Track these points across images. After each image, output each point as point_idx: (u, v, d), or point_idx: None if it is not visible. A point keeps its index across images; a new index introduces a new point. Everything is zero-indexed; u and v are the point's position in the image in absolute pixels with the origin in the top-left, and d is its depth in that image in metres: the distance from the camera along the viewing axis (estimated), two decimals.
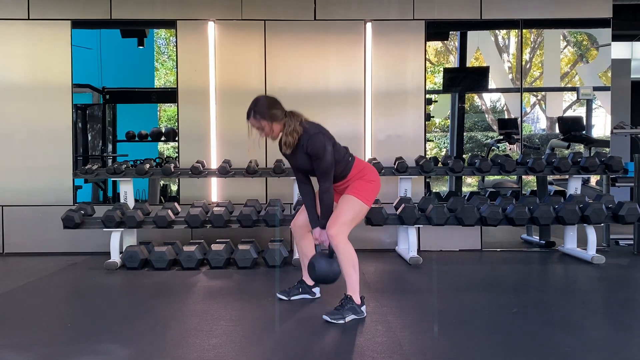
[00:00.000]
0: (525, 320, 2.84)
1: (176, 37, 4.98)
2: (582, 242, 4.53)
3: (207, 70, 4.96)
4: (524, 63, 5.59)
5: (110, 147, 6.38)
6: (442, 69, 5.93)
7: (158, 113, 7.24)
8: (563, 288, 3.63)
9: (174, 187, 6.08)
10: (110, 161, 6.14)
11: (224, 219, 4.23)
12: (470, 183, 6.39)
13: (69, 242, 4.85)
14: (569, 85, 6.35)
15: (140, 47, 5.89)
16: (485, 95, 6.46)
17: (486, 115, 6.48)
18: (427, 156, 5.02)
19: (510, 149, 5.72)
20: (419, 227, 4.76)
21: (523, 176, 5.56)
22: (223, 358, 2.32)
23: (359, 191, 2.92)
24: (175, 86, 4.99)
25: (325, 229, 2.91)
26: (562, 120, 5.98)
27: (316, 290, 3.27)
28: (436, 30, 5.19)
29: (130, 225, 4.26)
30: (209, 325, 2.76)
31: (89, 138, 6.13)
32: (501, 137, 5.71)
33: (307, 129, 2.87)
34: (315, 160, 2.84)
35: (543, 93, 6.66)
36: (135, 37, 5.81)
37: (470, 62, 5.78)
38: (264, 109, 2.88)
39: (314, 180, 3.01)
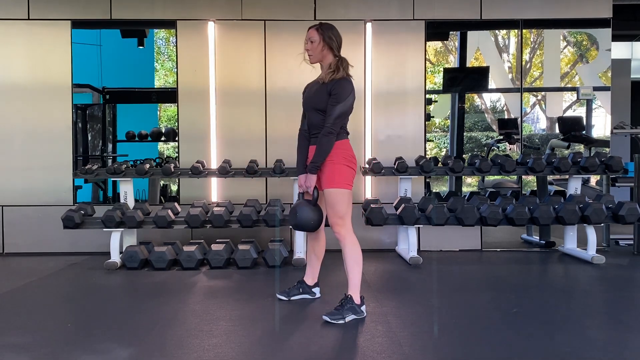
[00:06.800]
0: (526, 320, 2.84)
1: (176, 37, 4.98)
2: (582, 242, 4.53)
3: (207, 70, 4.96)
4: (524, 63, 5.59)
5: (110, 147, 6.38)
6: (442, 69, 5.93)
7: (158, 113, 7.24)
8: (563, 288, 3.63)
9: (174, 187, 6.08)
10: (110, 161, 6.14)
11: (224, 219, 4.23)
12: (470, 183, 6.39)
13: (69, 242, 4.85)
14: (569, 85, 6.34)
15: (140, 47, 5.89)
16: (485, 95, 6.45)
17: (486, 115, 6.48)
18: (427, 156, 5.02)
19: (510, 149, 5.72)
20: (419, 227, 4.77)
21: (523, 176, 5.56)
22: (223, 358, 2.32)
23: (339, 180, 2.89)
24: (175, 86, 4.99)
25: (311, 187, 2.93)
26: (562, 120, 5.98)
27: (316, 290, 3.27)
28: (436, 30, 5.20)
29: (130, 225, 4.26)
30: (209, 325, 2.76)
31: (89, 138, 6.13)
32: (501, 137, 5.71)
33: (344, 76, 2.92)
34: (333, 101, 2.85)
35: (543, 93, 6.66)
36: (135, 37, 5.81)
37: (470, 62, 5.77)
38: (329, 30, 2.97)
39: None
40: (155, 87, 7.08)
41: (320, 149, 2.88)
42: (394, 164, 4.77)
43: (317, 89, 2.96)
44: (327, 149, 2.87)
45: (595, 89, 5.59)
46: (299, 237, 4.37)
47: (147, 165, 4.71)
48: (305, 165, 3.00)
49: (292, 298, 3.22)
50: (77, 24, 4.99)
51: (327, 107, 2.88)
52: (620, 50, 7.44)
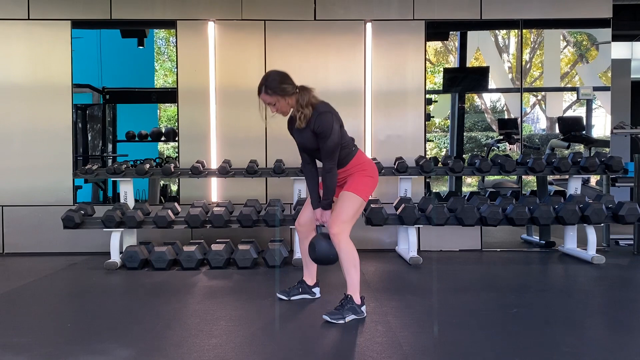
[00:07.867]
0: (525, 320, 2.84)
1: (176, 37, 4.98)
2: (582, 242, 4.53)
3: (207, 70, 4.96)
4: (524, 63, 5.59)
5: (110, 147, 6.38)
6: (442, 69, 5.93)
7: (158, 113, 7.25)
8: (563, 288, 3.63)
9: (174, 187, 6.08)
10: (110, 161, 6.15)
11: (224, 219, 4.23)
12: (470, 183, 6.39)
13: (69, 242, 4.85)
14: (569, 85, 6.35)
15: (140, 47, 5.90)
16: (485, 95, 6.46)
17: (486, 115, 6.48)
18: (427, 156, 5.02)
19: (510, 149, 5.72)
20: (419, 227, 4.77)
21: (523, 176, 5.56)
22: (223, 358, 2.32)
23: (357, 187, 2.91)
24: (175, 86, 4.99)
25: (328, 221, 2.92)
26: (562, 120, 5.98)
27: (316, 290, 3.27)
28: (436, 30, 5.19)
29: (130, 225, 4.26)
30: (209, 325, 2.76)
31: (89, 138, 6.13)
32: (501, 137, 5.71)
33: (317, 107, 2.87)
34: (322, 139, 2.83)
35: (543, 93, 6.67)
36: (135, 37, 5.82)
37: (470, 62, 5.78)
38: (276, 84, 2.86)
39: (319, 163, 3.01)
40: (155, 87, 7.09)
41: (327, 188, 2.89)
42: (394, 164, 4.77)
43: (304, 131, 2.91)
44: (332, 185, 2.88)
45: (595, 89, 5.59)
46: None
47: (147, 165, 4.71)
48: (319, 196, 2.99)
49: (292, 298, 3.22)
50: (77, 24, 4.99)
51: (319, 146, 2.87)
52: (620, 50, 7.44)
